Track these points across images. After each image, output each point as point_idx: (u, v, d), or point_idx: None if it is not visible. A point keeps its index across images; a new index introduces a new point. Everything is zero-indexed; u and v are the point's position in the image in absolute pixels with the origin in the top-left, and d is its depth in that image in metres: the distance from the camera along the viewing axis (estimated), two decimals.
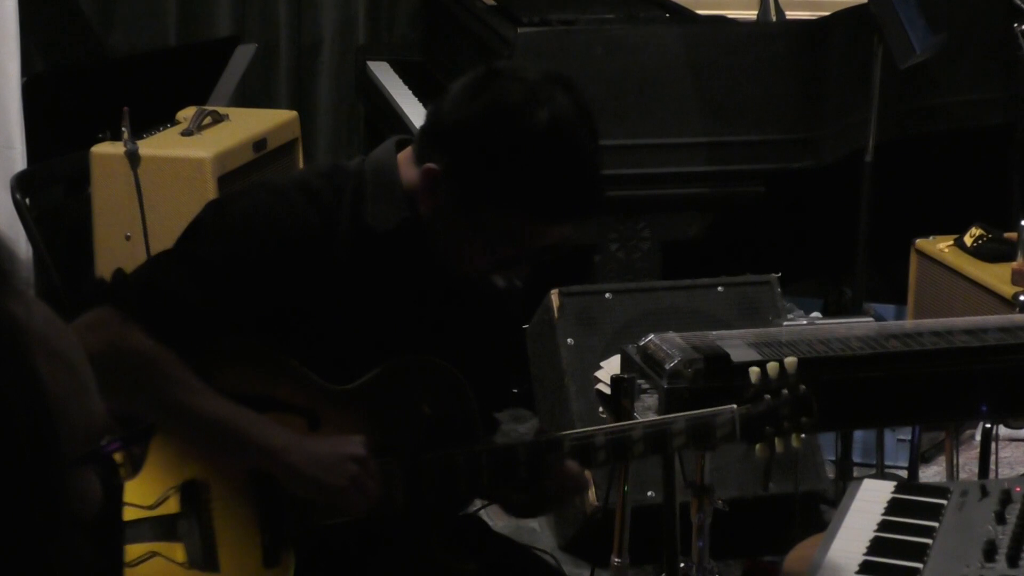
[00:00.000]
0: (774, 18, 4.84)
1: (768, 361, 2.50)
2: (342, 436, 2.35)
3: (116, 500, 2.32)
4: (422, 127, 2.44)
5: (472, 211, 2.36)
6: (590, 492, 3.80)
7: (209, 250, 2.35)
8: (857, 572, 2.13)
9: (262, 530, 2.38)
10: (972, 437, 4.26)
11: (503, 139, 2.32)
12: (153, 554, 2.35)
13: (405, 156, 2.43)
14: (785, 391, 2.47)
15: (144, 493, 2.36)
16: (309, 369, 2.37)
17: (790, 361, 2.50)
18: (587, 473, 2.52)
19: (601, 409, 2.76)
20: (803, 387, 2.47)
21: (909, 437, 3.94)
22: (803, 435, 2.48)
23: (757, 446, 2.47)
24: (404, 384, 2.42)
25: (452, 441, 2.41)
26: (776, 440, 2.47)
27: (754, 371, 2.50)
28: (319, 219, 2.37)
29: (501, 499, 2.55)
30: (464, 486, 2.44)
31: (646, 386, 2.69)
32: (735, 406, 2.47)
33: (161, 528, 2.36)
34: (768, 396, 2.47)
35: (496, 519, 3.39)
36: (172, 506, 2.36)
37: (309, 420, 2.38)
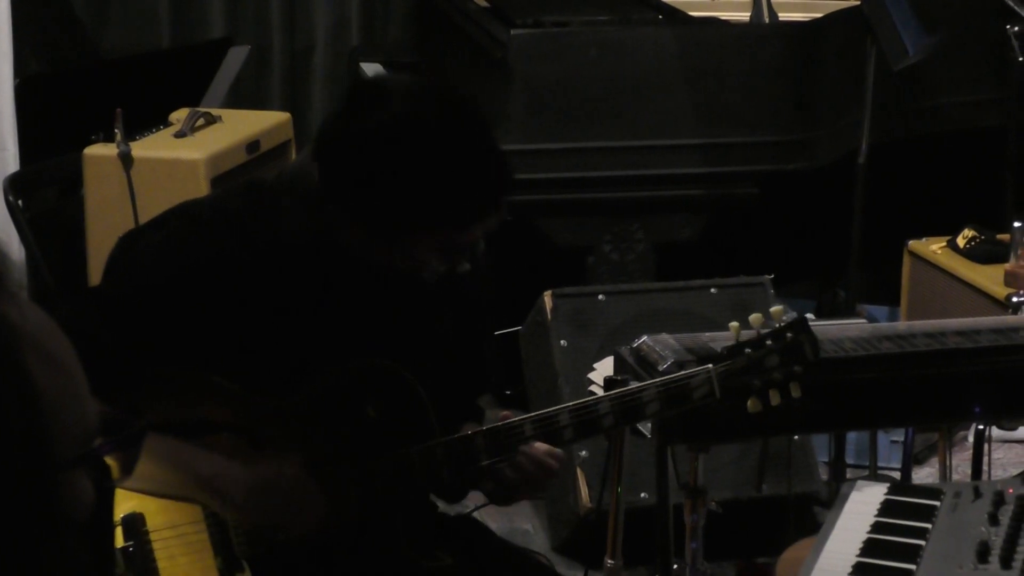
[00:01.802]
0: (767, 20, 4.84)
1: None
2: (276, 458, 2.33)
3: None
4: (316, 150, 2.37)
5: (388, 243, 2.33)
6: (583, 493, 3.80)
7: (120, 290, 2.35)
8: (850, 574, 2.12)
9: (215, 553, 2.36)
10: (965, 438, 4.26)
11: (378, 172, 2.27)
12: None
13: None
14: (770, 342, 2.44)
15: None
16: (250, 387, 2.34)
17: (776, 310, 2.49)
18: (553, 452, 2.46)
19: None
20: (790, 335, 2.44)
21: (902, 438, 3.93)
22: (800, 383, 2.43)
23: (749, 401, 2.44)
24: (345, 390, 2.39)
25: (405, 440, 2.38)
26: (771, 392, 2.43)
27: (734, 326, 2.49)
28: (235, 241, 2.34)
29: (478, 487, 2.51)
30: (423, 482, 2.42)
31: None
32: (711, 366, 2.44)
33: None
34: (749, 350, 2.44)
35: (490, 520, 3.39)
36: (118, 540, 2.34)
37: (251, 439, 2.36)
